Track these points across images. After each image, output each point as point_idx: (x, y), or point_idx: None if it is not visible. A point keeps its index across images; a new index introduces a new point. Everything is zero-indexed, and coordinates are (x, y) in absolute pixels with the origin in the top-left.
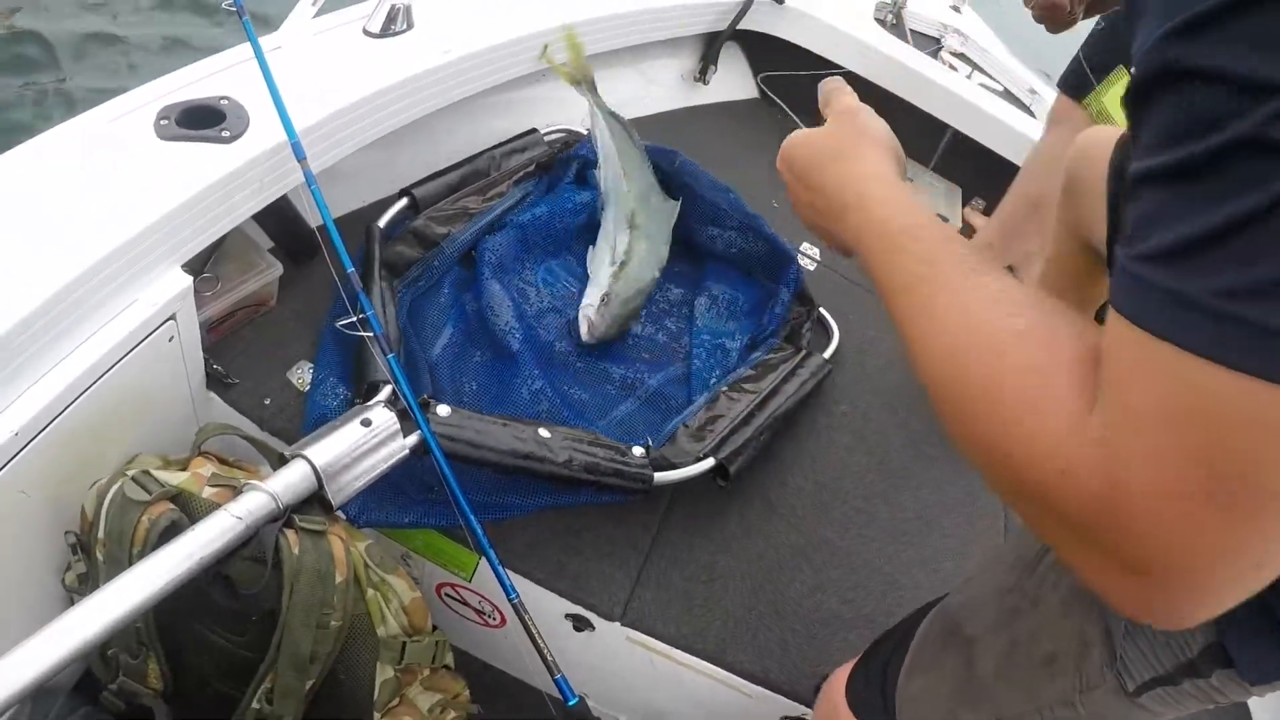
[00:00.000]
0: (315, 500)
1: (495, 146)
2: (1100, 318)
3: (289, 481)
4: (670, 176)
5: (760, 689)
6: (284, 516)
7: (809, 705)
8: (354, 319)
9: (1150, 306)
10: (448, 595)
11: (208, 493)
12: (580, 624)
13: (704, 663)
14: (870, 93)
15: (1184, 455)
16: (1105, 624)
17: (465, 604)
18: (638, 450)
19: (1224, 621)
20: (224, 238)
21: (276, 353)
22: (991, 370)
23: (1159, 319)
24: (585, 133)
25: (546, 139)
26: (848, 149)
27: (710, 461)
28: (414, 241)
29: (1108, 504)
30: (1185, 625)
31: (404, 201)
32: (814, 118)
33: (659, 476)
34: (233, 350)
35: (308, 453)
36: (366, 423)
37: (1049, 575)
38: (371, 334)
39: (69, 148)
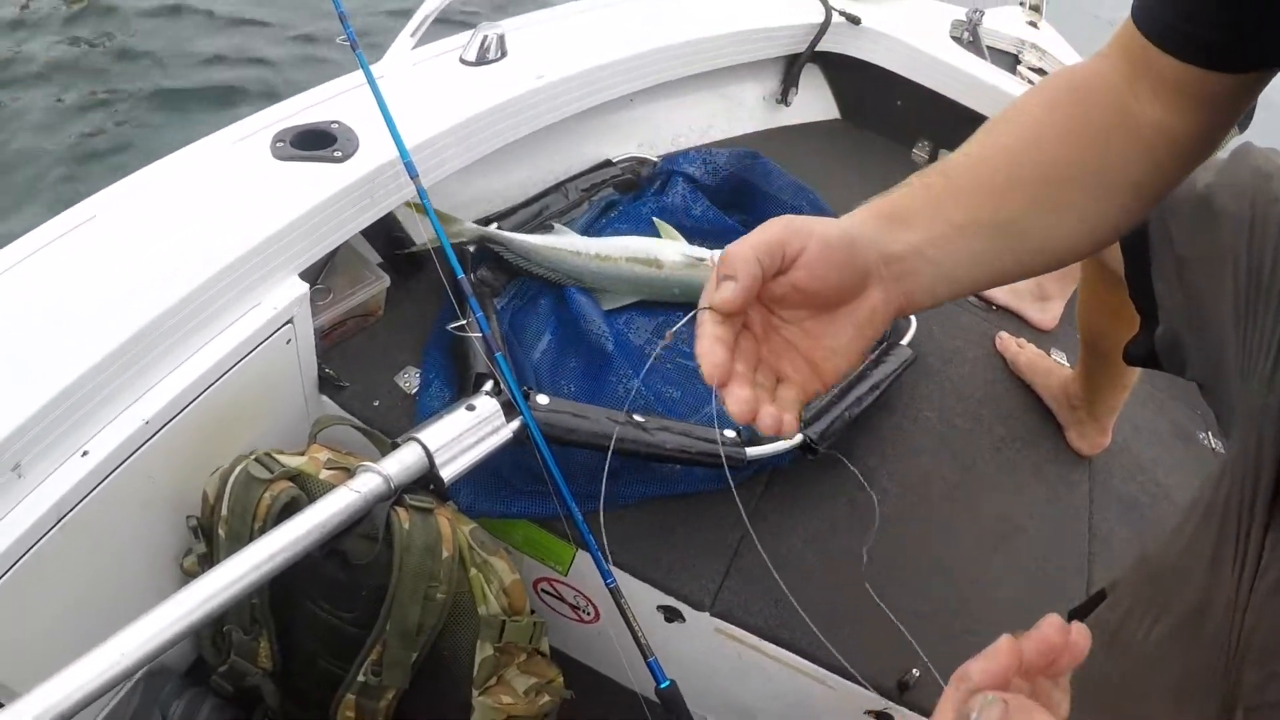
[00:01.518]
0: (425, 483)
1: (569, 179)
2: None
3: (403, 462)
4: (750, 179)
5: (844, 682)
6: (395, 495)
7: (892, 700)
8: (462, 321)
9: None
10: (544, 591)
11: (324, 475)
12: (671, 615)
13: (789, 654)
14: (950, 110)
15: None
16: None
17: (561, 599)
18: (730, 432)
19: None
20: (336, 252)
21: (384, 359)
22: None
23: None
24: (656, 160)
25: (619, 165)
26: None
27: (799, 438)
28: (502, 266)
29: None
30: None
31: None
32: (895, 136)
33: (752, 451)
34: (344, 356)
35: (419, 435)
36: (471, 408)
37: None
38: (480, 334)
39: (197, 167)
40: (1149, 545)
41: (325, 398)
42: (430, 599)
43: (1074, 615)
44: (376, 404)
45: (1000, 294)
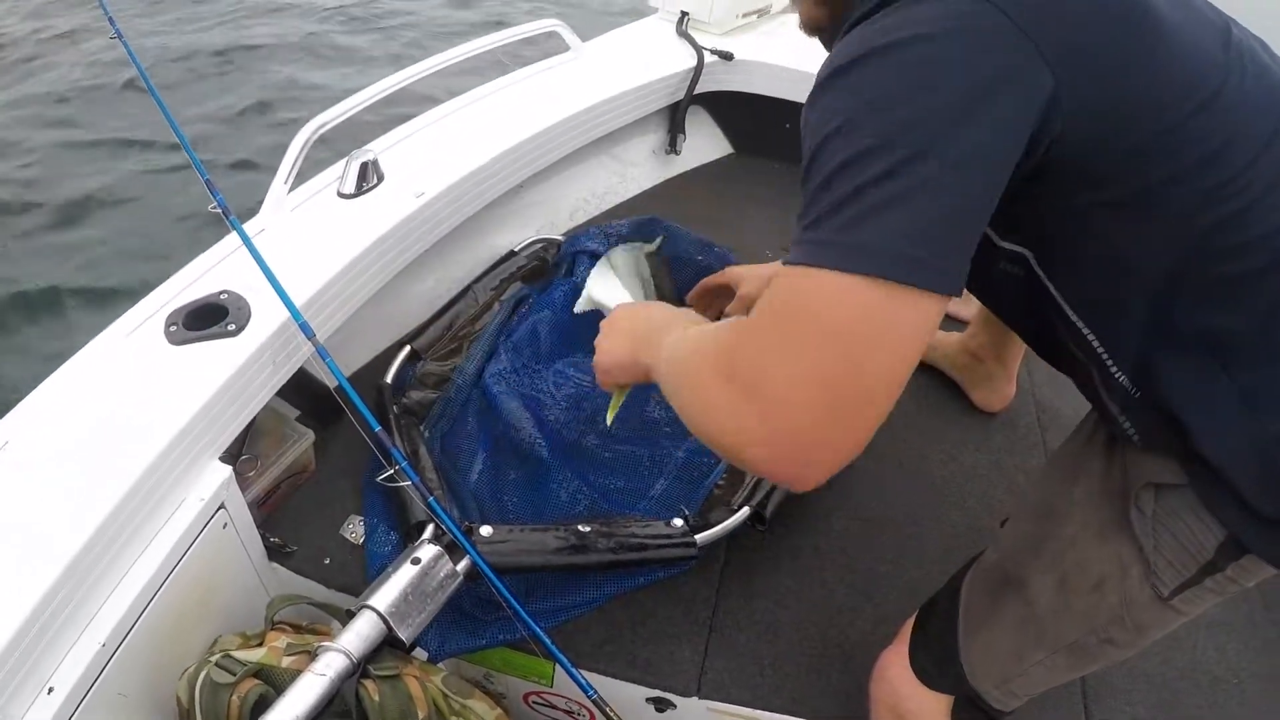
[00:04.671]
0: (387, 645)
1: (475, 281)
2: None
3: (361, 633)
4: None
5: None
6: (360, 669)
7: None
8: (389, 471)
9: (802, 250)
10: (535, 702)
11: (286, 662)
12: (662, 705)
13: (788, 718)
14: None
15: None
16: (1138, 544)
17: (553, 707)
18: (677, 521)
19: (1237, 524)
20: (255, 418)
21: (326, 513)
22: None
23: (803, 254)
24: (561, 239)
25: (524, 254)
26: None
27: (745, 511)
28: (424, 386)
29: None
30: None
31: (405, 353)
32: (792, 159)
33: (701, 538)
34: (286, 520)
35: (371, 602)
36: (416, 561)
37: (1076, 514)
38: (409, 483)
39: (95, 369)
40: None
41: (276, 566)
42: None
43: None
44: (327, 561)
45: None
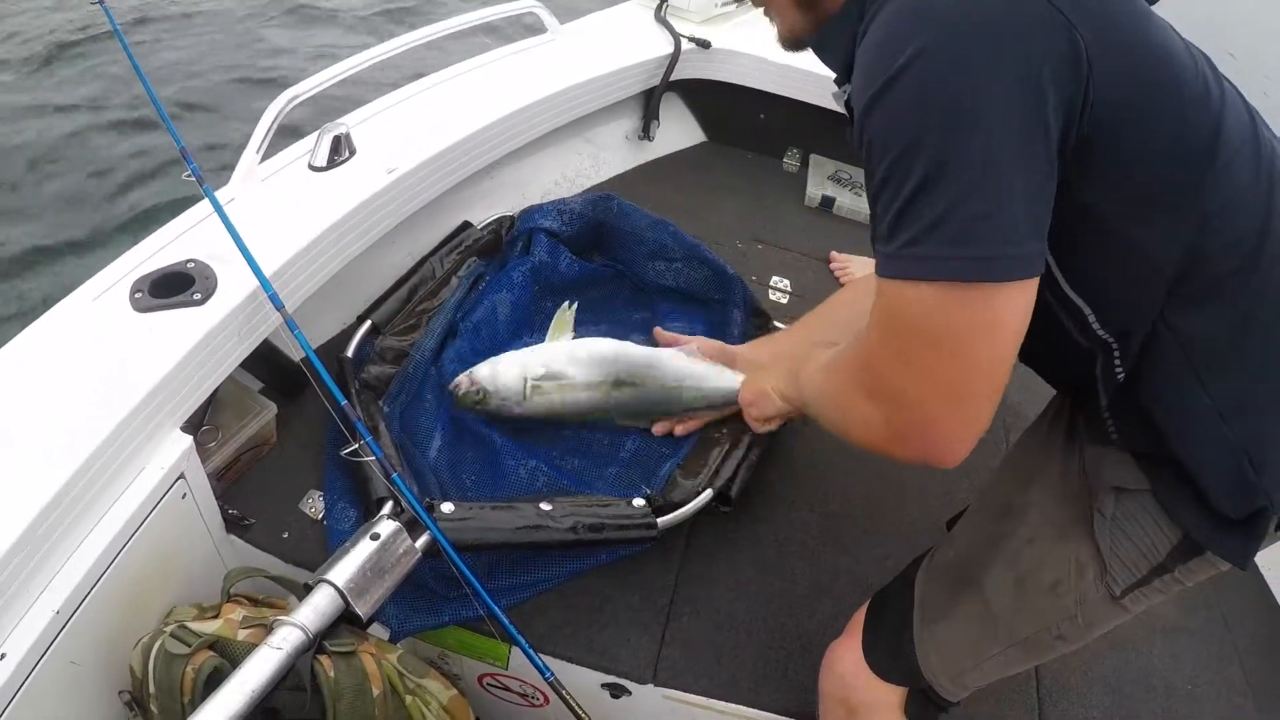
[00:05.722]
0: (344, 620)
1: (432, 252)
2: None
3: (318, 607)
4: (608, 221)
5: None
6: (316, 644)
7: None
8: (353, 446)
9: (880, 264)
10: (490, 685)
11: (242, 635)
12: (617, 691)
13: (742, 708)
14: (814, 115)
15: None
16: (1095, 546)
17: (507, 689)
18: (638, 501)
19: (1197, 525)
20: (218, 389)
21: (286, 487)
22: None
23: (881, 268)
24: (514, 216)
25: (481, 228)
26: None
27: (709, 493)
28: (384, 361)
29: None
30: (952, 454)
31: (366, 327)
32: (765, 149)
33: (662, 520)
34: (245, 492)
35: (328, 576)
36: (375, 536)
37: (1033, 515)
38: (373, 458)
39: (59, 334)
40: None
41: (234, 538)
42: None
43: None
44: (285, 535)
45: None
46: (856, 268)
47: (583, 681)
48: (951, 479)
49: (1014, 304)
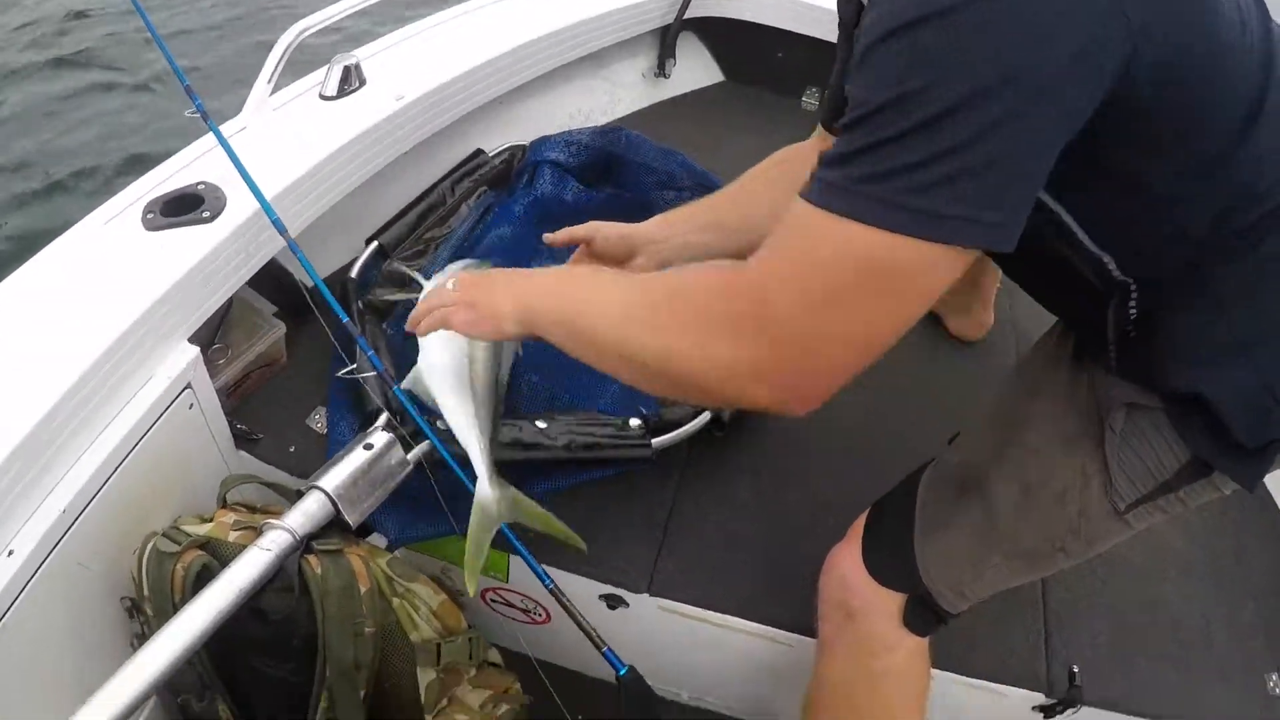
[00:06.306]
0: (335, 526)
1: (444, 177)
2: None
3: (307, 512)
4: (616, 152)
5: (800, 637)
6: (303, 545)
7: None
8: (353, 366)
9: (821, 191)
10: (493, 600)
11: (233, 537)
12: (614, 602)
13: (739, 620)
14: (832, 53)
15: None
16: (1103, 458)
17: (510, 605)
18: (635, 421)
19: (1211, 451)
20: (229, 309)
21: (294, 404)
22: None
23: (823, 197)
24: (526, 146)
25: (494, 157)
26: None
27: (705, 416)
28: (390, 283)
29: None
30: (811, 405)
31: (373, 248)
32: (783, 89)
33: (657, 441)
34: (255, 409)
35: (320, 483)
36: (369, 446)
37: (1041, 425)
38: (373, 373)
39: (72, 253)
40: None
41: (243, 453)
42: (360, 634)
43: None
44: (292, 450)
45: None
46: None
47: (580, 593)
48: (963, 410)
49: (956, 270)
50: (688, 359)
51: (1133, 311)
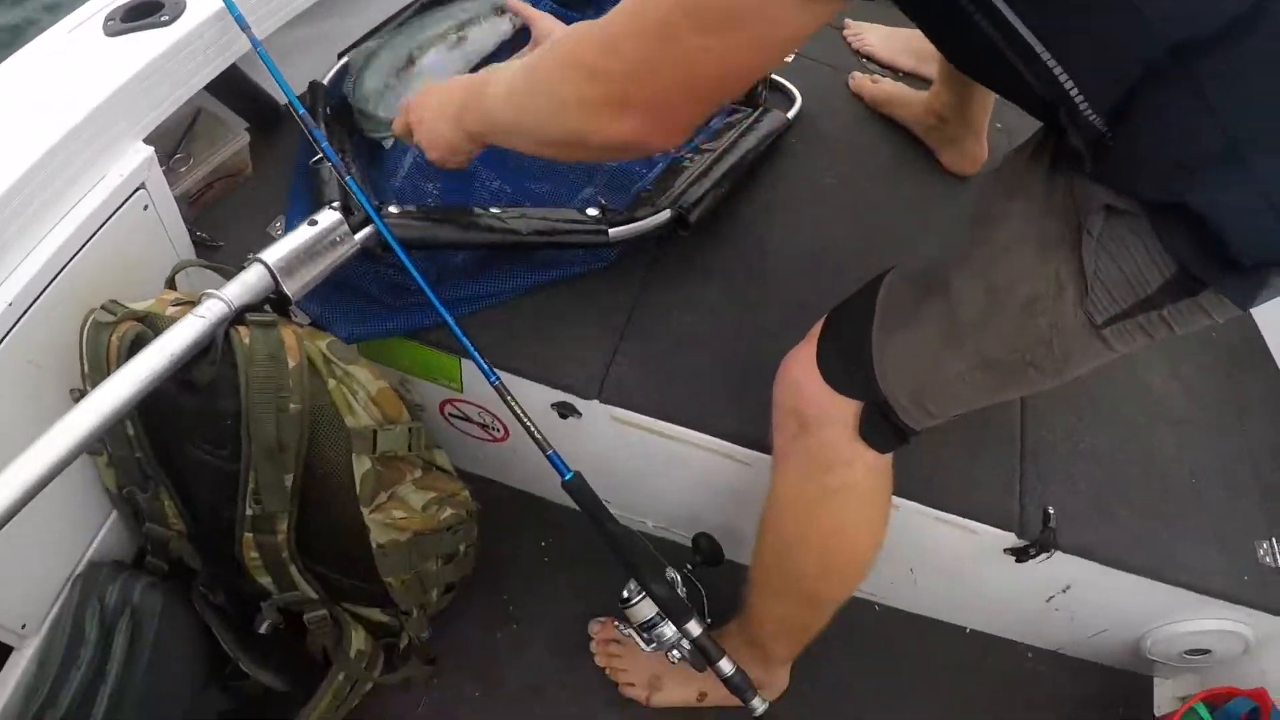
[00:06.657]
0: (276, 302)
1: None
2: None
3: (245, 282)
4: None
5: (757, 454)
6: (236, 315)
7: None
8: (319, 156)
9: None
10: (451, 414)
11: (170, 312)
12: (565, 410)
13: (692, 432)
14: None
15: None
16: (1079, 264)
17: (468, 419)
18: (592, 211)
19: (1199, 264)
20: (195, 121)
21: (257, 213)
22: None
23: None
24: None
25: None
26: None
27: (667, 213)
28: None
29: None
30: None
31: (344, 61)
32: None
33: (615, 232)
34: (217, 217)
35: (261, 255)
36: (313, 223)
37: (1013, 224)
38: (323, 157)
39: (31, 61)
40: None
41: (203, 260)
42: (284, 410)
43: None
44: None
45: (903, 59)
46: (872, 36)
47: (532, 398)
48: (949, 237)
49: (820, 20)
50: (561, 110)
51: (1091, 116)
